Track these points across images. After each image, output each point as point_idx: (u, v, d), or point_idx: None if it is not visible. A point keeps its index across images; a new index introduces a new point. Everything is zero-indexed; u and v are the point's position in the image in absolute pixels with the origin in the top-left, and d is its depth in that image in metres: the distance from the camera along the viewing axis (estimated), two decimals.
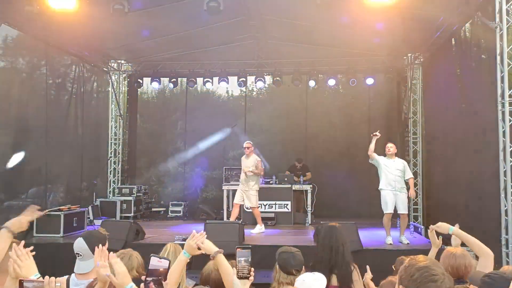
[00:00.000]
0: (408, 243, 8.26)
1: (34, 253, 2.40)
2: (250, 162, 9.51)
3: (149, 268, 2.24)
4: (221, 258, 2.78)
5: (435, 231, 3.90)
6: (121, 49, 12.10)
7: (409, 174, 8.63)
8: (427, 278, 1.90)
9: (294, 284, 3.20)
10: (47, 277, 2.21)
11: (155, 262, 2.25)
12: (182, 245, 2.83)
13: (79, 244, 3.04)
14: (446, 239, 4.04)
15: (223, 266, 2.78)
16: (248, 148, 9.55)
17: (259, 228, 9.56)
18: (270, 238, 8.97)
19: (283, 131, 13.95)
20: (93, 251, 2.97)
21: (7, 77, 9.42)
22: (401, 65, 12.55)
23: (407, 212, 8.44)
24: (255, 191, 9.45)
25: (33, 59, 10.21)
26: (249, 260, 2.54)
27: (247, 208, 10.80)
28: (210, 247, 2.81)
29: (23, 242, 2.42)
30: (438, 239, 3.89)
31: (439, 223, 3.55)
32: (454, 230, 3.45)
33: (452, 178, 9.59)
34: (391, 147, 8.57)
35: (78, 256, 3.03)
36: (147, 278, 2.22)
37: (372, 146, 8.41)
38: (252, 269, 2.56)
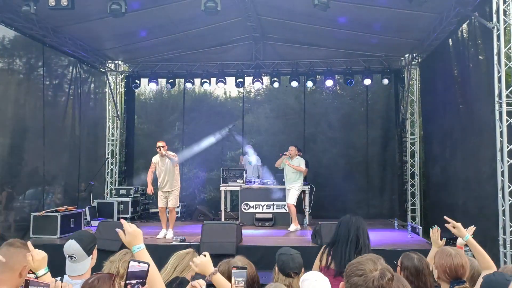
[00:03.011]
0: (295, 230, 9.53)
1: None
2: (166, 159, 8.79)
3: (129, 271, 2.21)
4: (218, 278, 2.65)
5: (438, 232, 3.83)
6: (119, 50, 12.09)
7: (302, 164, 9.88)
8: (353, 272, 1.99)
9: (293, 286, 3.18)
10: (52, 279, 2.19)
11: (135, 267, 2.23)
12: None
13: (72, 247, 2.95)
14: (447, 241, 4.00)
15: (221, 286, 2.63)
16: (163, 147, 8.68)
17: (165, 232, 8.86)
18: (268, 239, 8.96)
19: (281, 132, 13.93)
20: (86, 251, 2.95)
21: (4, 78, 9.38)
22: (399, 66, 12.58)
23: (293, 203, 9.74)
24: (177, 191, 8.92)
25: (31, 60, 10.18)
26: (245, 280, 2.53)
27: (244, 209, 10.82)
28: (205, 267, 2.64)
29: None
30: (441, 240, 3.81)
31: (459, 224, 3.42)
32: (469, 239, 3.38)
33: (449, 178, 9.60)
34: (290, 151, 9.88)
35: (71, 259, 2.93)
36: (128, 282, 2.18)
37: (279, 161, 9.97)
38: None
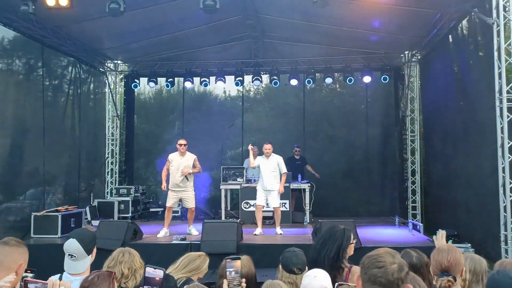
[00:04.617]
0: (281, 233, 8.92)
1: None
2: (189, 160, 8.75)
3: (145, 276, 2.22)
4: None
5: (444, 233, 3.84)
6: (118, 49, 12.07)
7: (283, 170, 9.16)
8: (373, 264, 2.00)
9: (297, 283, 3.19)
10: (51, 278, 2.17)
11: (151, 272, 2.24)
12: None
13: (73, 246, 2.92)
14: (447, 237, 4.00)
15: None
16: (185, 145, 8.74)
17: (166, 231, 8.79)
18: (269, 237, 8.94)
19: (281, 130, 13.91)
20: (87, 250, 2.93)
21: (4, 78, 9.37)
22: (399, 63, 12.55)
23: (278, 206, 9.25)
24: (193, 191, 8.89)
25: (30, 60, 10.17)
26: (239, 271, 2.49)
27: (244, 207, 10.80)
28: None
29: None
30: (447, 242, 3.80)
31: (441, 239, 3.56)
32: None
33: (450, 175, 9.59)
34: (268, 149, 9.12)
35: (71, 257, 2.91)
36: (145, 287, 2.20)
37: (251, 159, 9.26)
38: (244, 280, 2.50)
